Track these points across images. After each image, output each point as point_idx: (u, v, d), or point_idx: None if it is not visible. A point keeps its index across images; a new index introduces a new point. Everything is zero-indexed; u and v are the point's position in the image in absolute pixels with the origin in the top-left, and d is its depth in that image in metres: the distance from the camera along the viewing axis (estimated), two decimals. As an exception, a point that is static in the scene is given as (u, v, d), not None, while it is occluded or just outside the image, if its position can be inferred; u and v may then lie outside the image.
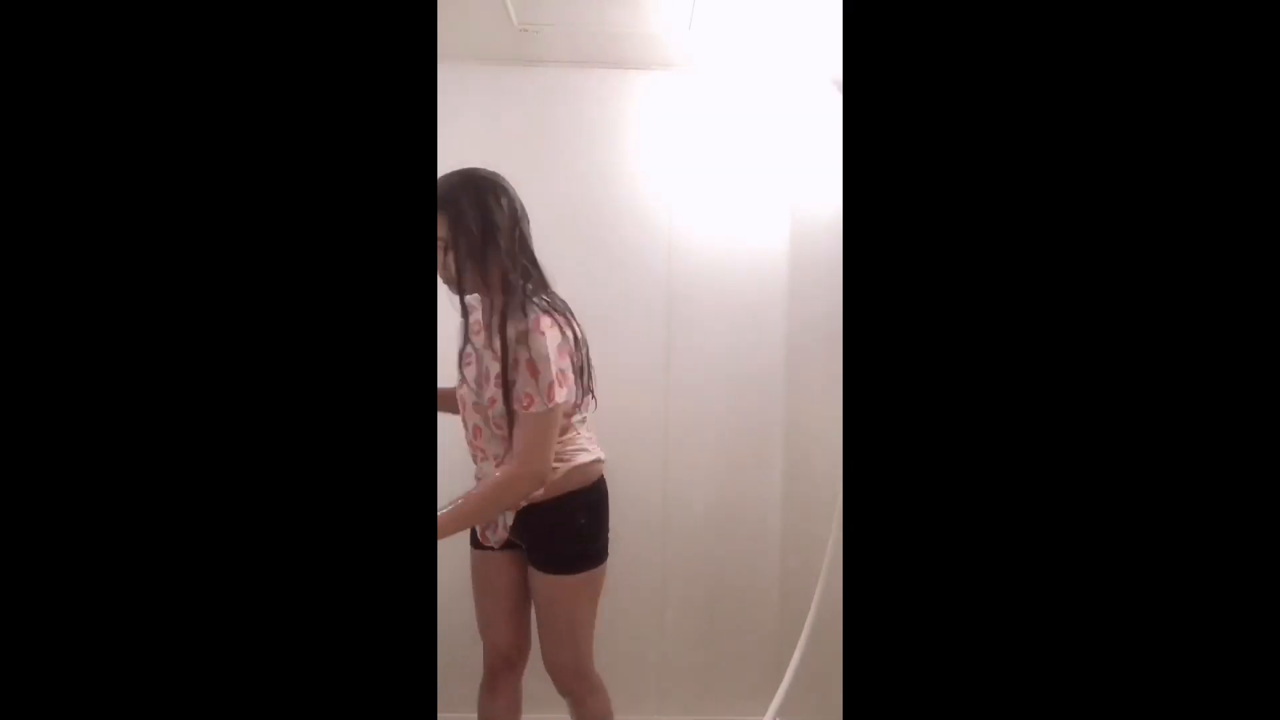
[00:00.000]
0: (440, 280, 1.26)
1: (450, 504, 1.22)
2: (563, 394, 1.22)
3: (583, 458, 1.35)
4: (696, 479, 1.93)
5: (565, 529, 1.33)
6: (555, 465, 1.29)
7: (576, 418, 1.36)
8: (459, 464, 1.84)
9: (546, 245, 1.87)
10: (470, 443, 1.39)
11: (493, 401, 1.25)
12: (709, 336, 1.92)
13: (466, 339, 1.30)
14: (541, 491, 1.28)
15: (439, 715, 1.75)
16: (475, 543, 1.47)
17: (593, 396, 1.38)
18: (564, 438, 1.32)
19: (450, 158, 1.82)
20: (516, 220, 1.29)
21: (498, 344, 1.22)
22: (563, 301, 1.34)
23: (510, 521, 1.36)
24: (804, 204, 1.89)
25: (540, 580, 1.36)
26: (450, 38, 1.69)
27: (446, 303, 1.77)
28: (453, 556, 1.82)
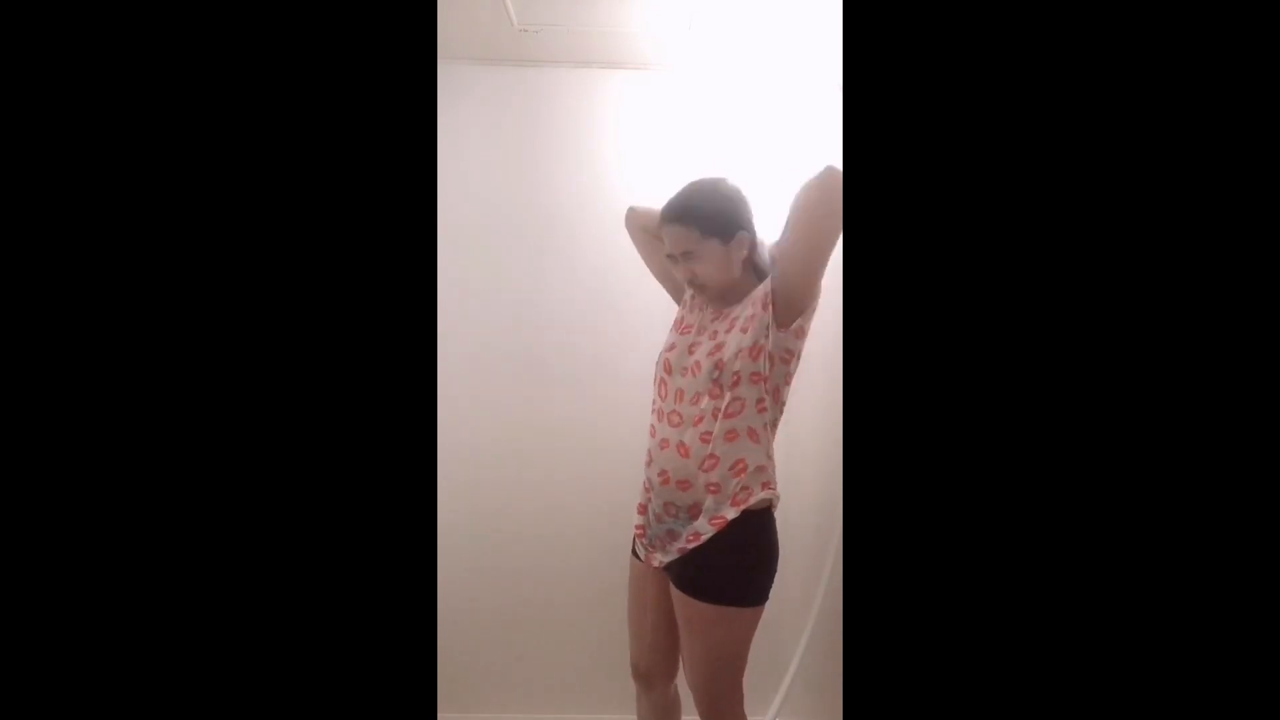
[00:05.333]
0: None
1: None
2: None
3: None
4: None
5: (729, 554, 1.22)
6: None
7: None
8: (458, 464, 1.84)
9: (545, 247, 1.88)
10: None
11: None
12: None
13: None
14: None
15: (439, 715, 1.75)
16: (635, 550, 1.38)
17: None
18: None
19: (450, 158, 1.84)
20: None
21: None
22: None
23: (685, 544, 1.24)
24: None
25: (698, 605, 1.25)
26: (450, 38, 1.69)
27: (448, 300, 1.78)
28: (456, 558, 1.83)
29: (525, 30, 1.65)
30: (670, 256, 1.29)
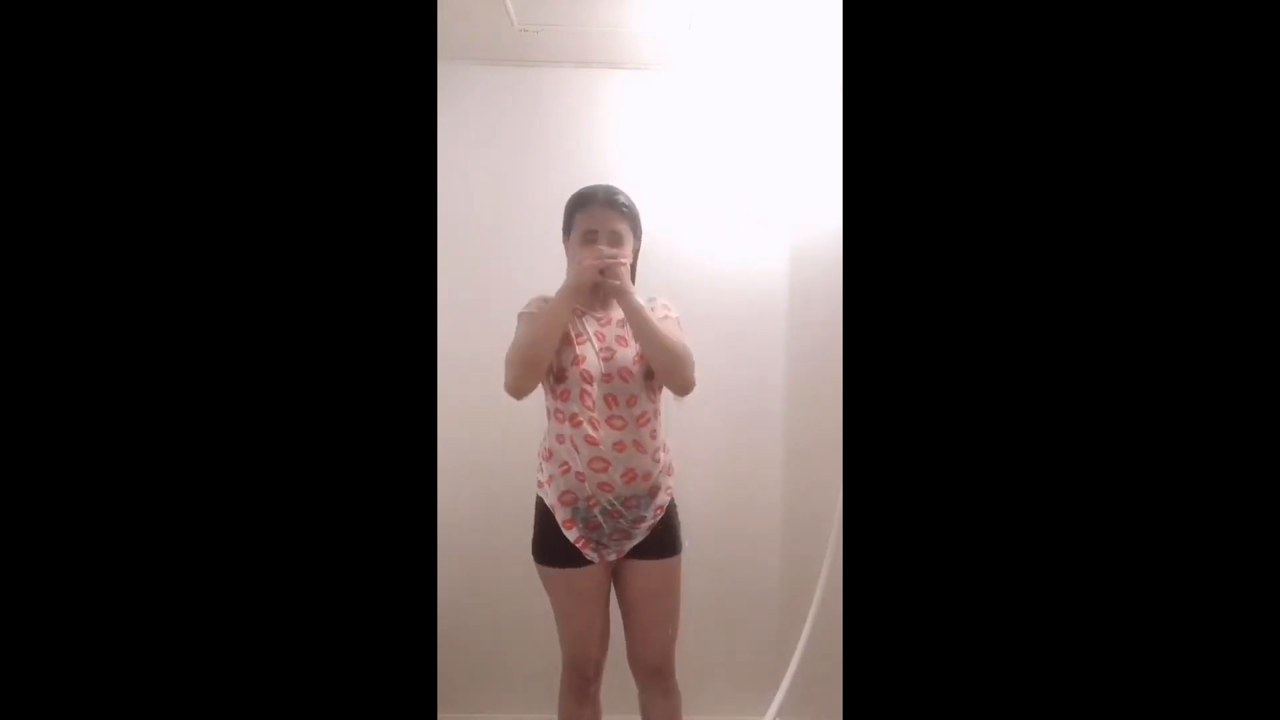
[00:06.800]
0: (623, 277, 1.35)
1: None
2: None
3: None
4: (697, 483, 1.93)
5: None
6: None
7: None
8: (459, 464, 1.84)
9: (543, 249, 1.88)
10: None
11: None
12: (708, 341, 1.91)
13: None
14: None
15: (439, 715, 1.75)
16: (577, 561, 1.37)
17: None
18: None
19: (450, 157, 1.84)
20: None
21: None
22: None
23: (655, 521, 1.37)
24: (805, 207, 1.89)
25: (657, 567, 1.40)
26: (450, 38, 1.69)
27: (448, 300, 1.78)
28: (456, 559, 1.83)
29: (525, 30, 1.65)
30: (590, 236, 1.35)
